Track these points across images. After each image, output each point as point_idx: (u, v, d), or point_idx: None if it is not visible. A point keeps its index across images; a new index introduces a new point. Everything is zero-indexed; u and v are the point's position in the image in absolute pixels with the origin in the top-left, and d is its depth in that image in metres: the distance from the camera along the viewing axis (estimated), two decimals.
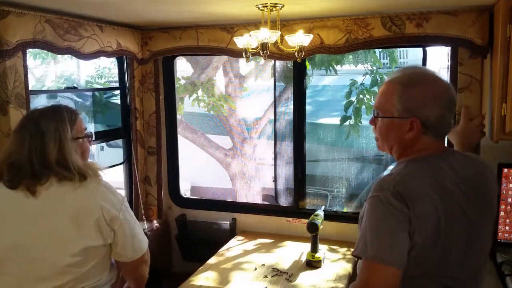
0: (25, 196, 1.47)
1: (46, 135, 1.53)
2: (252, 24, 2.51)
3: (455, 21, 2.10)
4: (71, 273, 1.49)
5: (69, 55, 2.37)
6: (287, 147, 3.74)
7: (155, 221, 3.04)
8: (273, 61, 3.89)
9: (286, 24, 2.45)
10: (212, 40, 2.64)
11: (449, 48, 2.34)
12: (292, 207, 3.00)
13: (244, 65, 4.98)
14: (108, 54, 2.57)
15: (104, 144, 6.22)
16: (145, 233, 1.90)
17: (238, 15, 2.34)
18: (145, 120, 3.01)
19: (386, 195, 1.21)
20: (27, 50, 2.08)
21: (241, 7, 2.12)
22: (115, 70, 3.27)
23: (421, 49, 2.55)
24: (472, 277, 1.32)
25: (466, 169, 1.34)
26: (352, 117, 4.34)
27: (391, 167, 1.43)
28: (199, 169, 5.90)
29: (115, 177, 3.52)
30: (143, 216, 3.01)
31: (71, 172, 1.52)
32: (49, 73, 8.57)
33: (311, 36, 2.12)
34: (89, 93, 5.85)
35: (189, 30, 2.70)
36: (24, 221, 1.47)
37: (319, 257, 2.41)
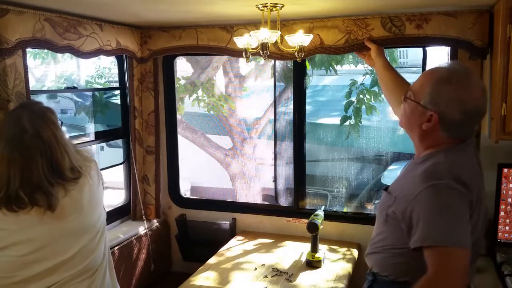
0: (44, 214, 1.49)
1: (52, 146, 1.52)
2: (252, 24, 2.51)
3: (455, 22, 2.10)
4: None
5: (69, 55, 2.38)
6: (287, 147, 3.74)
7: (155, 221, 3.04)
8: (273, 61, 3.89)
9: (286, 24, 2.45)
10: (212, 39, 2.64)
11: (449, 49, 2.34)
12: (292, 207, 2.99)
13: (244, 65, 4.98)
14: (108, 53, 2.56)
15: (104, 144, 6.23)
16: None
17: (238, 15, 2.34)
18: (144, 119, 2.99)
19: (449, 181, 1.25)
20: (27, 50, 2.08)
21: (241, 7, 2.12)
22: (115, 70, 3.27)
23: (421, 49, 2.56)
24: (480, 246, 1.40)
25: (476, 154, 1.43)
26: (352, 117, 4.34)
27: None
28: (199, 169, 5.90)
29: (115, 177, 3.54)
30: (143, 216, 3.01)
31: (78, 173, 1.59)
32: (49, 73, 8.56)
33: (311, 36, 2.12)
34: (89, 93, 5.85)
35: (189, 29, 2.70)
36: (55, 238, 1.54)
37: (319, 257, 2.41)
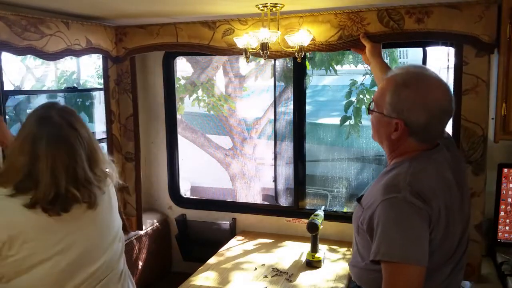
0: (84, 213, 1.45)
1: (88, 141, 1.47)
2: (236, 19, 2.35)
3: (459, 16, 1.91)
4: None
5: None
6: (287, 147, 3.73)
7: (155, 221, 3.04)
8: (273, 61, 3.88)
9: (273, 18, 2.25)
10: (193, 36, 2.45)
11: (453, 45, 2.12)
12: (292, 207, 2.99)
13: (244, 65, 4.98)
14: (77, 53, 2.35)
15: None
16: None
17: (238, 15, 2.34)
18: (122, 123, 2.76)
19: (405, 195, 1.21)
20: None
21: (241, 7, 2.12)
22: None
23: (421, 49, 2.55)
24: (462, 256, 1.38)
25: (453, 159, 1.39)
26: (352, 117, 4.34)
27: (387, 169, 1.42)
28: (199, 169, 5.90)
29: None
30: (127, 228, 2.75)
31: (106, 173, 1.55)
32: (49, 73, 8.56)
33: (311, 36, 2.12)
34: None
35: (167, 26, 2.50)
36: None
37: (319, 257, 2.41)
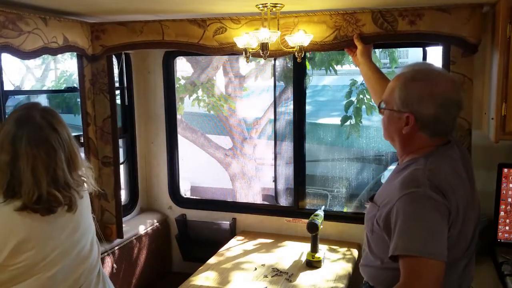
0: (64, 216, 1.46)
1: (67, 143, 1.47)
2: (228, 17, 2.30)
3: (448, 19, 2.03)
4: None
5: (69, 55, 2.27)
6: (287, 147, 3.73)
7: (155, 221, 3.04)
8: (273, 61, 3.88)
9: (272, 18, 2.22)
10: (181, 35, 2.35)
11: (442, 46, 2.26)
12: (292, 207, 2.99)
13: (244, 65, 4.98)
14: (54, 51, 2.19)
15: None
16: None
17: (238, 15, 2.34)
18: (98, 126, 2.58)
19: (425, 189, 1.22)
20: None
21: (241, 7, 2.12)
22: (115, 70, 3.25)
23: (421, 49, 2.55)
24: (474, 250, 1.40)
25: (464, 156, 1.42)
26: (353, 117, 4.34)
27: (392, 166, 1.43)
28: (199, 169, 5.90)
29: None
30: (101, 236, 2.53)
31: (80, 179, 1.56)
32: (49, 73, 8.57)
33: (311, 36, 2.12)
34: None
35: (152, 23, 2.39)
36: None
37: (319, 257, 2.41)
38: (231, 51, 2.25)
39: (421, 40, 2.19)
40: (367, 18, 2.11)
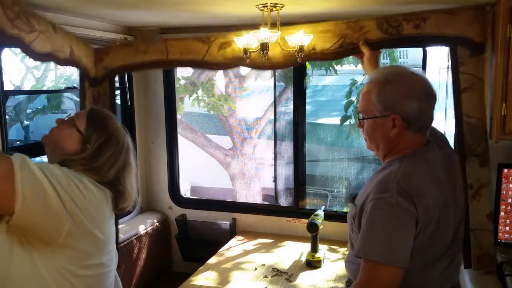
0: None
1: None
2: (233, 29, 2.29)
3: (453, 20, 2.03)
4: None
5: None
6: (287, 147, 3.74)
7: (155, 221, 3.04)
8: None
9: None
10: (185, 52, 2.30)
11: (448, 48, 2.23)
12: (292, 207, 3.00)
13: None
14: (60, 61, 2.06)
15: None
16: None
17: (238, 15, 2.34)
18: None
19: (392, 195, 1.23)
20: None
21: (241, 7, 2.12)
22: None
23: (421, 49, 2.56)
24: (458, 251, 1.41)
25: (445, 156, 1.41)
26: (352, 117, 4.34)
27: (380, 167, 1.43)
28: (199, 169, 5.90)
29: None
30: None
31: None
32: (49, 73, 8.57)
33: (311, 36, 2.12)
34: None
35: (157, 43, 2.36)
36: None
37: (319, 257, 2.41)
38: (236, 65, 2.24)
39: (428, 43, 2.22)
40: (371, 25, 2.11)
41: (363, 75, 4.37)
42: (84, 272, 1.36)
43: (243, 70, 5.05)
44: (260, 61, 2.19)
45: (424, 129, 1.38)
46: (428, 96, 1.34)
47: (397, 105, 1.32)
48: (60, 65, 2.16)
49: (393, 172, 1.29)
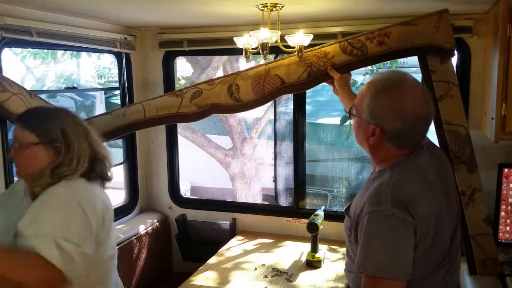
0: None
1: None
2: (203, 82, 2.23)
3: (417, 30, 1.95)
4: None
5: (69, 55, 2.21)
6: (287, 147, 3.74)
7: (155, 221, 3.04)
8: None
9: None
10: (160, 108, 2.24)
11: (418, 58, 2.09)
12: (292, 207, 3.00)
13: (244, 65, 4.97)
14: None
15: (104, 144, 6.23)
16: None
17: (238, 15, 2.34)
18: None
19: (387, 207, 1.21)
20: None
21: (241, 7, 2.13)
22: (115, 70, 3.25)
23: None
24: (456, 255, 1.39)
25: (434, 158, 1.39)
26: None
27: (372, 176, 1.41)
28: (199, 169, 5.90)
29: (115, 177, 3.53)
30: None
31: None
32: (49, 73, 8.56)
33: (311, 36, 2.11)
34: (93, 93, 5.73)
35: (134, 105, 2.27)
36: None
37: (319, 257, 2.41)
38: (209, 113, 2.18)
39: (396, 58, 2.13)
40: (335, 50, 2.04)
41: (363, 75, 4.38)
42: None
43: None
44: (232, 103, 2.15)
45: (406, 147, 1.34)
46: (417, 119, 1.29)
47: (381, 118, 1.29)
48: None
49: (384, 183, 1.27)
